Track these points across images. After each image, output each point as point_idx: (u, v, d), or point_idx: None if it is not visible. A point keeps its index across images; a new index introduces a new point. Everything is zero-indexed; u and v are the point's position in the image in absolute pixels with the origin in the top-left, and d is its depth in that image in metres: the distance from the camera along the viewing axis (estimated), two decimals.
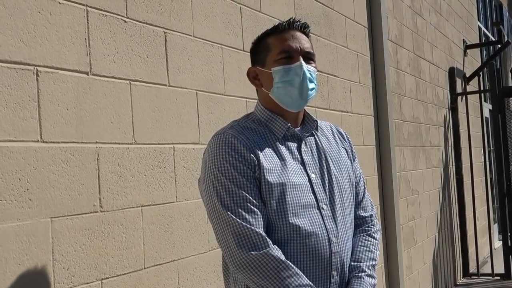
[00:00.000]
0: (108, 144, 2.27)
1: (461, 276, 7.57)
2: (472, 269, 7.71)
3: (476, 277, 7.55)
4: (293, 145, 1.94)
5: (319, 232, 1.85)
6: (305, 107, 2.02)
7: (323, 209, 1.89)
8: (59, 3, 2.10)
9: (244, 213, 1.77)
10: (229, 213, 1.77)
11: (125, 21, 2.40)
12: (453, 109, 7.49)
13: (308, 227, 1.83)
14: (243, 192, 1.79)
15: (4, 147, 1.87)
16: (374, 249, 2.01)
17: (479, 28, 10.21)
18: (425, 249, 6.14)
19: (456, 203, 7.52)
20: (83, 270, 2.12)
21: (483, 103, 8.58)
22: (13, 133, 1.91)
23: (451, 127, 7.48)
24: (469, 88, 8.21)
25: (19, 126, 1.93)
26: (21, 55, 1.95)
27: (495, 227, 9.76)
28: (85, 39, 2.20)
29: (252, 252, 1.74)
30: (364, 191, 2.12)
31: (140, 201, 2.40)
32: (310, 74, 1.92)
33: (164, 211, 2.52)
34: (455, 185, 7.49)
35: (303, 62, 1.90)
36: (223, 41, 3.00)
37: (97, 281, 2.17)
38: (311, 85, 1.93)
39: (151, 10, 2.53)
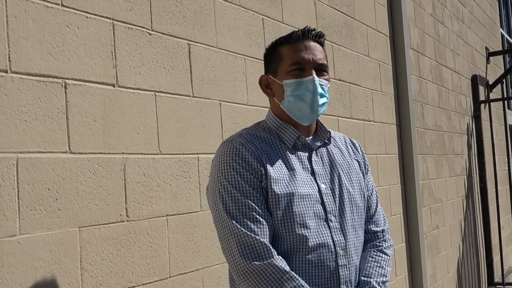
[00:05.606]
0: (134, 155, 2.30)
1: (486, 286, 7.49)
2: (497, 278, 7.62)
3: (501, 287, 7.46)
4: (303, 155, 1.91)
5: (325, 244, 1.81)
6: (322, 116, 2.01)
7: (331, 220, 1.85)
8: (86, 17, 2.15)
9: (249, 223, 1.74)
10: (234, 222, 1.74)
11: (150, 34, 2.44)
12: (476, 117, 7.44)
13: (314, 238, 1.80)
14: (249, 201, 1.76)
15: (34, 158, 1.92)
16: (385, 265, 1.94)
17: (502, 35, 10.13)
18: (449, 258, 6.10)
19: (480, 212, 7.45)
20: (110, 278, 2.16)
21: (507, 110, 8.51)
22: (42, 145, 1.95)
23: (474, 135, 7.43)
24: (492, 96, 8.15)
25: (48, 138, 1.97)
26: (50, 68, 2.00)
27: None
28: (112, 52, 2.25)
29: (256, 262, 1.71)
30: (377, 204, 2.07)
31: (165, 211, 2.43)
32: (322, 88, 1.89)
33: (189, 220, 2.55)
34: (479, 193, 7.43)
35: (315, 76, 1.86)
36: (246, 52, 3.03)
37: None
38: (322, 100, 1.89)
39: (175, 23, 2.57)
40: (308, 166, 1.90)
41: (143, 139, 2.36)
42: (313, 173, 1.89)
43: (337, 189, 1.91)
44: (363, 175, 2.05)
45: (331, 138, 2.02)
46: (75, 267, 2.03)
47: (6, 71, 1.86)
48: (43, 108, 1.97)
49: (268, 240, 1.75)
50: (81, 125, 2.10)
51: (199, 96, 2.67)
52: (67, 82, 2.06)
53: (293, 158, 1.88)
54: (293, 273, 1.73)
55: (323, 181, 1.90)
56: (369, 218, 2.03)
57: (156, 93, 2.44)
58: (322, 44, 1.95)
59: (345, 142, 2.08)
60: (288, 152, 1.89)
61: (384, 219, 2.08)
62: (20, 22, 1.91)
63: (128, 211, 2.26)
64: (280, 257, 1.75)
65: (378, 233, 2.02)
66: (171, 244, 2.44)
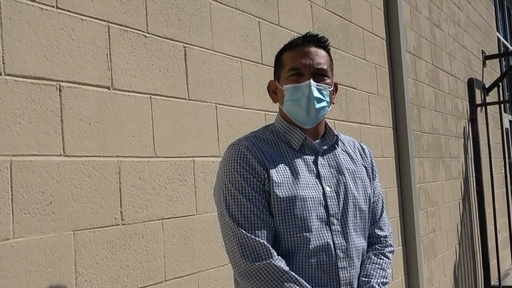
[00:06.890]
0: (129, 158, 2.29)
1: None
2: (494, 281, 7.62)
3: None
4: (309, 158, 1.93)
5: (325, 246, 1.84)
6: (325, 120, 2.03)
7: (333, 223, 1.87)
8: (81, 19, 2.14)
9: (250, 224, 1.78)
10: (235, 223, 1.79)
11: (146, 36, 2.43)
12: (473, 120, 7.44)
13: (315, 241, 1.83)
14: (251, 203, 1.80)
15: (28, 161, 1.90)
16: (386, 267, 1.98)
17: (498, 39, 10.15)
18: (446, 261, 6.09)
19: (477, 215, 7.45)
20: (105, 282, 2.14)
21: (503, 113, 8.52)
22: (36, 148, 1.94)
23: (471, 138, 7.43)
24: (488, 99, 8.16)
25: (43, 141, 1.96)
26: (45, 70, 1.99)
27: None
28: (107, 54, 2.24)
29: (256, 263, 1.75)
30: (382, 210, 2.10)
31: (160, 214, 2.42)
32: (321, 92, 1.91)
33: (184, 223, 2.54)
34: (475, 196, 7.43)
35: (311, 81, 1.88)
36: (242, 54, 3.02)
37: None
38: (320, 104, 1.91)
39: (171, 25, 2.56)
40: (314, 168, 1.92)
41: (138, 142, 2.35)
42: (318, 175, 1.91)
43: (342, 193, 1.93)
44: (370, 181, 2.06)
45: (340, 142, 2.04)
46: (70, 271, 2.02)
47: (0, 74, 1.84)
48: (37, 110, 1.95)
49: (268, 241, 1.79)
50: (75, 128, 2.08)
51: (195, 99, 2.66)
52: (62, 84, 2.05)
53: (298, 161, 1.90)
54: (292, 272, 1.76)
55: (329, 184, 1.91)
56: (374, 222, 2.05)
57: (152, 96, 2.43)
58: (326, 49, 1.97)
59: (354, 146, 2.10)
60: (294, 155, 1.92)
61: (389, 225, 2.11)
62: (15, 24, 1.90)
63: (123, 215, 2.25)
64: (280, 257, 1.78)
65: (382, 238, 2.05)
66: (166, 248, 2.43)
